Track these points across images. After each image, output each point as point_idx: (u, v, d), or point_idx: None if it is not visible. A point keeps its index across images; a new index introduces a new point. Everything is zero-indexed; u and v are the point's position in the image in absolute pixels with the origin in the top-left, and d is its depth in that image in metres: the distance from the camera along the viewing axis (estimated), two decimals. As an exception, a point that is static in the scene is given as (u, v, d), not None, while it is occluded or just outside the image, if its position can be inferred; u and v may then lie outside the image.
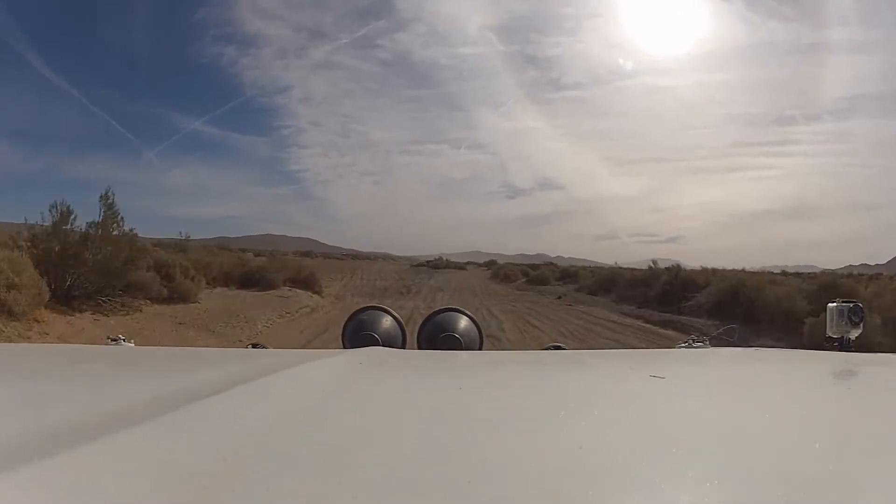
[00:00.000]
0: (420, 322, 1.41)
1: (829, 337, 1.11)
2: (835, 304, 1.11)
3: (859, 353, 1.07)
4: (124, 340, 1.17)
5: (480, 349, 1.36)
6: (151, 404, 0.51)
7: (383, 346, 1.18)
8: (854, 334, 1.09)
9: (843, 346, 1.10)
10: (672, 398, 0.68)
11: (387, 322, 1.38)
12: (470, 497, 0.37)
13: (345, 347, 1.27)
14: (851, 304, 1.09)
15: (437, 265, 38.69)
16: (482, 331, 1.41)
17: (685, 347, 1.16)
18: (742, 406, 0.64)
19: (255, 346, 1.28)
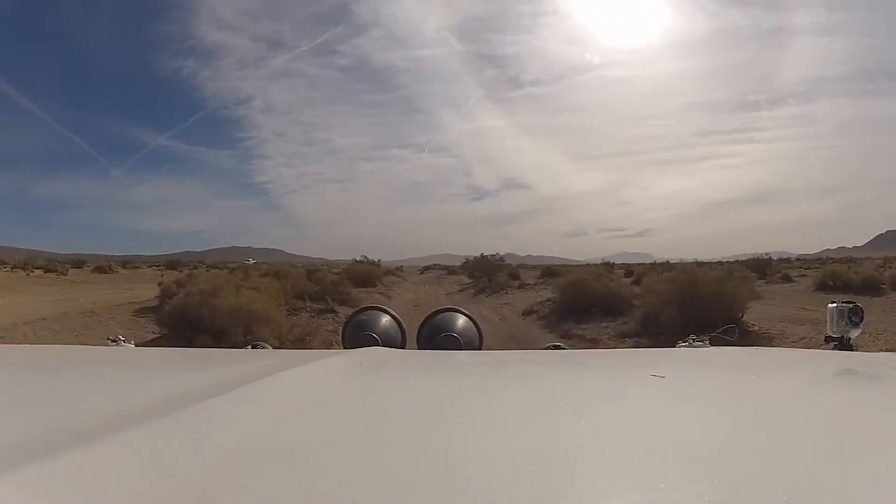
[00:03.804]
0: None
1: (829, 336, 1.11)
2: (835, 304, 1.11)
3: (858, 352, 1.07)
4: (124, 341, 1.17)
5: (480, 349, 1.36)
6: (151, 405, 0.51)
7: (383, 346, 1.17)
8: (854, 334, 1.09)
9: (843, 345, 1.10)
10: (672, 398, 0.67)
11: (386, 322, 1.37)
12: (470, 497, 0.37)
13: (345, 347, 1.26)
14: (851, 305, 1.09)
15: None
16: (481, 330, 1.41)
17: (685, 347, 1.15)
18: (742, 405, 0.64)
19: (254, 346, 1.27)
